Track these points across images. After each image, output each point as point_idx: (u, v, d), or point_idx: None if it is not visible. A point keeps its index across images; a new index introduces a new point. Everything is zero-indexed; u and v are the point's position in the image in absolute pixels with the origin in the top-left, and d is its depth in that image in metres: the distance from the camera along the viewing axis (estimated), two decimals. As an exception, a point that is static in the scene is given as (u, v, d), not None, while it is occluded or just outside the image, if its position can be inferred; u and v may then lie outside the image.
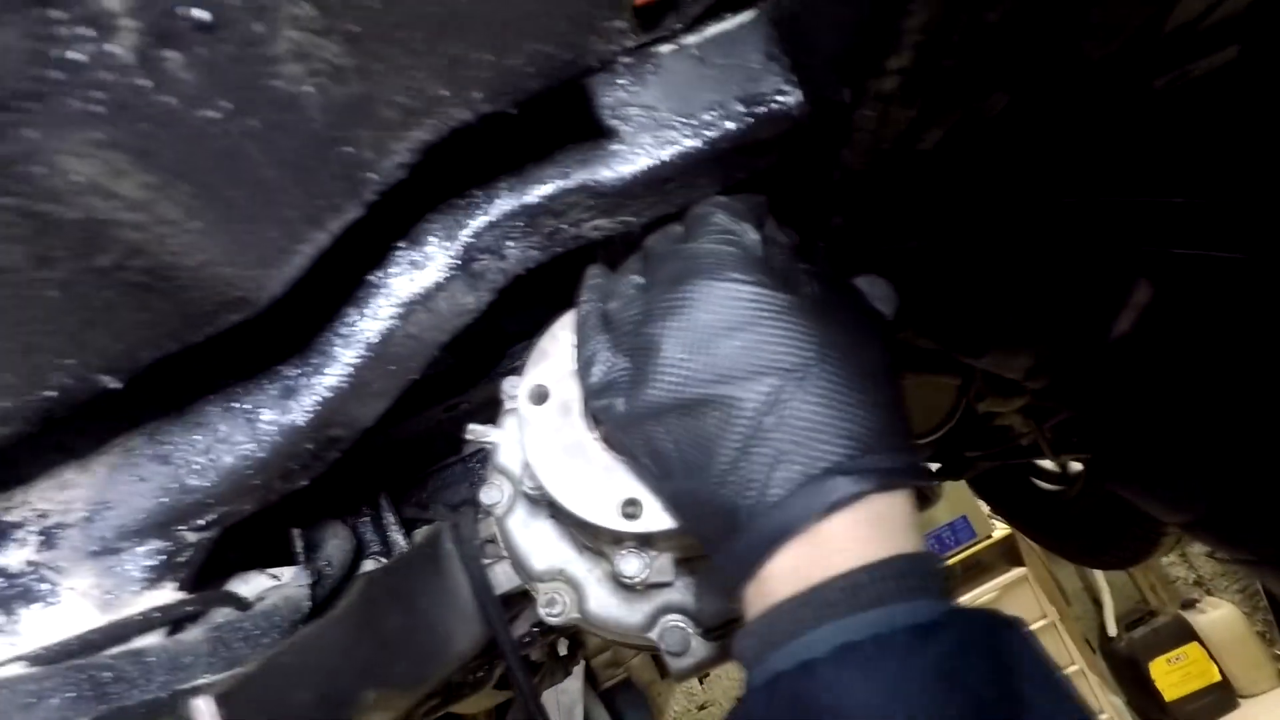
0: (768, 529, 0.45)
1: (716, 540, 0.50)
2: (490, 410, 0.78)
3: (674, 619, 0.77)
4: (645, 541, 0.72)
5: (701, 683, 4.69)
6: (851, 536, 0.45)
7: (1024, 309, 0.67)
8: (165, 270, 0.28)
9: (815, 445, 0.46)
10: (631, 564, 0.72)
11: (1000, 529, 4.22)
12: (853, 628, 0.40)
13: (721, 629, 0.80)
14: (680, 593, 0.78)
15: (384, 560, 0.93)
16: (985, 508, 3.65)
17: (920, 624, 0.39)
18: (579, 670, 3.64)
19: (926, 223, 0.68)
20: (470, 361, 1.02)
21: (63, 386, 0.33)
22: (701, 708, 4.66)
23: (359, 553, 0.90)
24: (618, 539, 0.70)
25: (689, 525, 0.56)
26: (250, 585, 0.73)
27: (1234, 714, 4.11)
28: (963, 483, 2.50)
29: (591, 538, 0.76)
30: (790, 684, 0.40)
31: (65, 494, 0.47)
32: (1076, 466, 2.22)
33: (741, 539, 0.47)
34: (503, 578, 0.92)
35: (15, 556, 0.46)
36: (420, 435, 1.05)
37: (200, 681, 0.51)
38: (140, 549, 0.48)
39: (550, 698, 3.69)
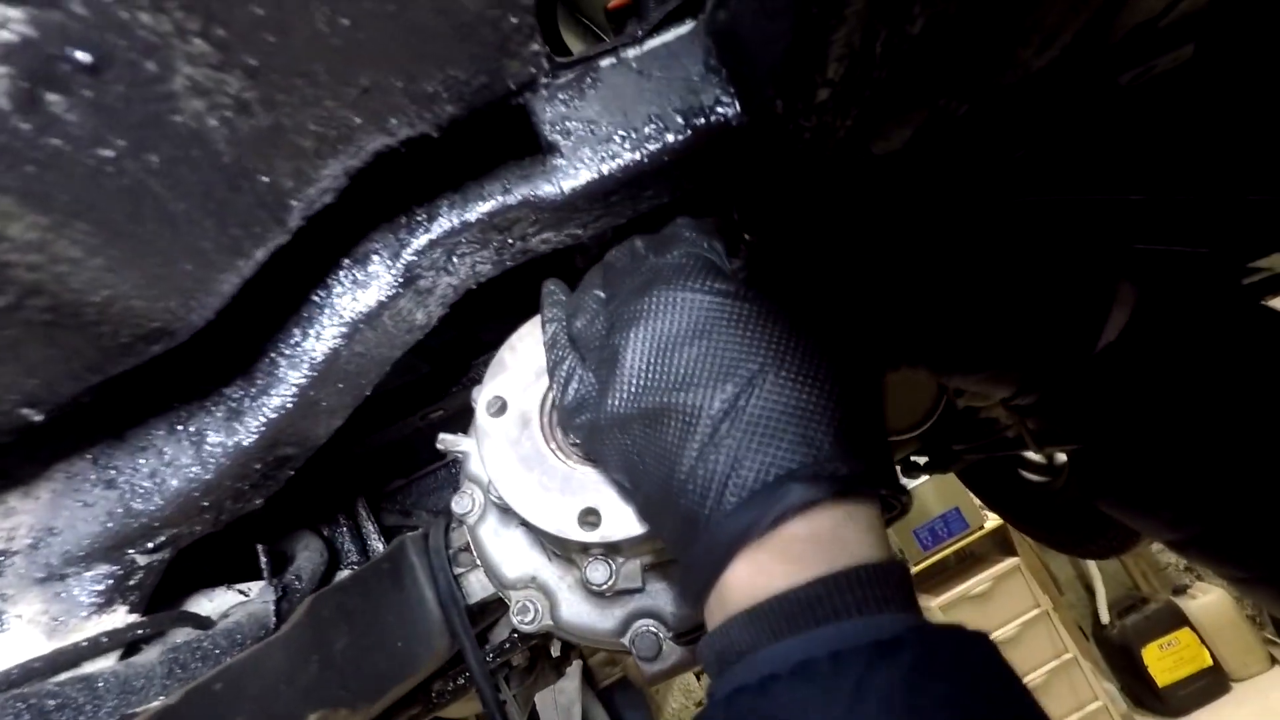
0: (723, 537, 0.45)
1: (681, 549, 0.50)
2: (467, 417, 0.78)
3: (646, 624, 0.78)
4: (611, 549, 0.72)
5: (699, 679, 4.71)
6: (809, 544, 0.44)
7: (1001, 322, 0.64)
8: (69, 307, 0.28)
9: (770, 451, 0.45)
10: (599, 571, 0.73)
11: (992, 520, 4.24)
12: (811, 644, 0.39)
13: (693, 633, 0.80)
14: (652, 598, 0.78)
15: (358, 567, 0.93)
16: (977, 499, 3.66)
17: (880, 641, 0.38)
18: (576, 670, 3.64)
19: (895, 228, 0.68)
20: (446, 370, 1.02)
21: (-18, 421, 0.33)
22: (699, 704, 4.68)
23: (334, 563, 0.90)
24: (583, 547, 0.70)
25: (659, 534, 0.56)
26: (215, 602, 0.73)
27: (1226, 697, 4.14)
28: (953, 475, 2.51)
29: (560, 546, 0.76)
30: (749, 700, 0.40)
31: (9, 521, 0.47)
32: (1061, 458, 2.23)
33: (700, 547, 0.47)
34: (477, 586, 0.92)
35: (-39, 585, 0.46)
36: (399, 442, 1.05)
37: (155, 705, 0.51)
38: (88, 574, 0.49)
39: (548, 697, 3.70)
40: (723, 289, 0.50)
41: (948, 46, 0.47)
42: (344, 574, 0.95)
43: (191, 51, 0.27)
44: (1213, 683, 4.12)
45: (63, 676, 0.46)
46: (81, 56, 0.24)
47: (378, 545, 0.95)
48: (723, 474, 0.46)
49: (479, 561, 0.85)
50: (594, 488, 0.69)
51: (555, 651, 1.86)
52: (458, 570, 0.92)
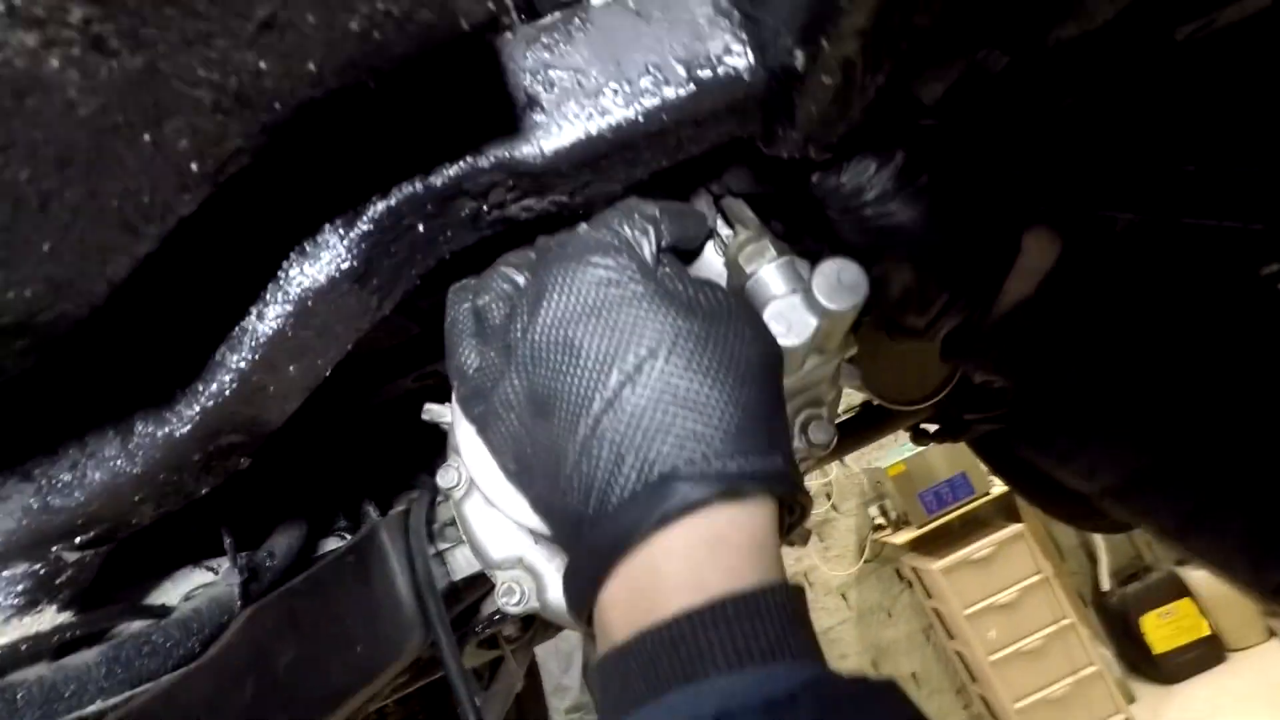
0: (601, 544, 0.40)
1: (568, 554, 0.46)
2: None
3: (633, 612, 0.74)
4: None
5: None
6: (689, 560, 0.39)
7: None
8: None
9: (654, 445, 0.40)
10: (582, 558, 0.69)
11: (998, 486, 4.21)
12: (700, 701, 0.34)
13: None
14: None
15: (349, 537, 0.89)
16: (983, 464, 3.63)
17: (773, 700, 0.33)
18: (577, 619, 3.70)
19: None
20: (438, 331, 0.96)
21: None
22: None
23: (314, 535, 0.86)
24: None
25: (554, 535, 0.51)
26: (180, 586, 0.69)
27: (1221, 666, 4.18)
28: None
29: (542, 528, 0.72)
30: None
31: (-85, 516, 0.42)
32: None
33: (577, 555, 0.42)
34: (463, 562, 0.88)
35: None
36: (394, 405, 1.00)
37: (90, 710, 0.47)
38: (5, 573, 0.44)
39: (551, 644, 3.77)
40: (625, 265, 0.45)
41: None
42: (331, 542, 0.91)
43: (7, -31, 0.20)
44: (1208, 652, 4.16)
45: (-23, 687, 0.42)
46: None
47: (370, 510, 0.91)
48: (605, 472, 0.40)
49: (464, 538, 0.81)
50: None
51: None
52: (443, 545, 0.88)
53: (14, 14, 0.21)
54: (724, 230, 0.65)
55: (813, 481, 4.69)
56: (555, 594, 0.74)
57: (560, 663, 3.91)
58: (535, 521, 0.59)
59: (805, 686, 0.34)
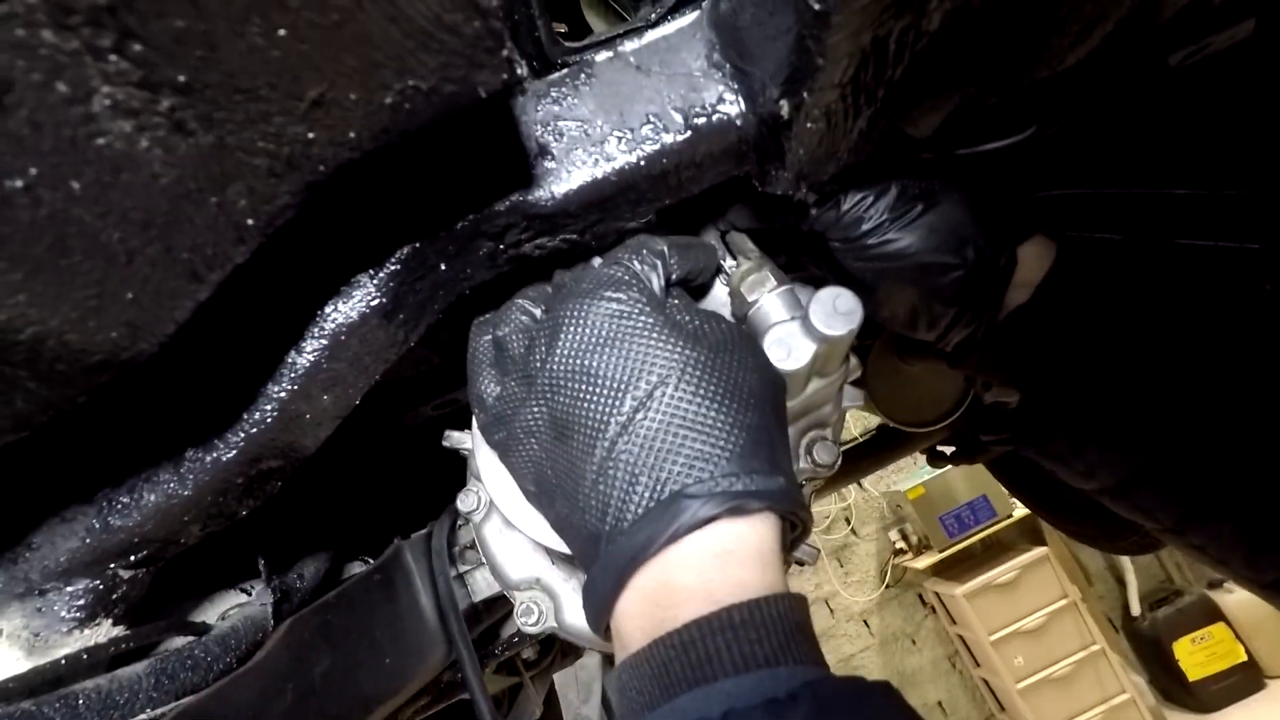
0: (619, 558, 0.43)
1: (586, 570, 0.48)
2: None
3: (648, 630, 0.76)
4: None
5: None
6: (699, 572, 0.41)
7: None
8: (-9, 347, 0.27)
9: (665, 466, 0.43)
10: (599, 579, 0.71)
11: (1021, 508, 4.16)
12: (709, 701, 0.37)
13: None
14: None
15: (371, 561, 0.92)
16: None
17: (774, 698, 0.36)
18: (596, 648, 3.69)
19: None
20: (458, 361, 1.00)
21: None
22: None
23: (339, 560, 0.89)
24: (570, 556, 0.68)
25: (573, 552, 0.55)
26: (216, 606, 0.73)
27: (1261, 694, 4.04)
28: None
29: (559, 550, 0.75)
30: None
31: (-11, 536, 0.46)
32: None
33: (596, 570, 0.45)
34: (482, 583, 0.91)
35: (-60, 600, 0.46)
36: (414, 433, 1.04)
37: (141, 718, 0.50)
38: (68, 589, 0.48)
39: (569, 674, 3.75)
40: (636, 299, 0.48)
41: (972, 39, 0.43)
42: (355, 566, 0.95)
43: (109, 70, 0.25)
44: (1246, 679, 4.03)
45: (45, 695, 0.46)
46: (-28, 83, 0.22)
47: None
48: (621, 491, 0.44)
49: (484, 560, 0.84)
50: None
51: (573, 636, 1.85)
52: (464, 568, 0.92)
53: (117, 106, 0.26)
54: (728, 262, 0.69)
55: (832, 506, 4.66)
56: (572, 614, 0.77)
57: (580, 693, 3.88)
58: (554, 541, 0.63)
59: (805, 686, 0.36)
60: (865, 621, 4.69)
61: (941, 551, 4.19)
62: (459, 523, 0.92)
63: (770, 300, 0.63)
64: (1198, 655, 4.06)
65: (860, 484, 4.69)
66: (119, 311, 0.31)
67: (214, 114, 0.28)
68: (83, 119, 0.25)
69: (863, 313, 0.59)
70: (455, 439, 0.81)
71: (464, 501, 0.80)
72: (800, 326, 0.60)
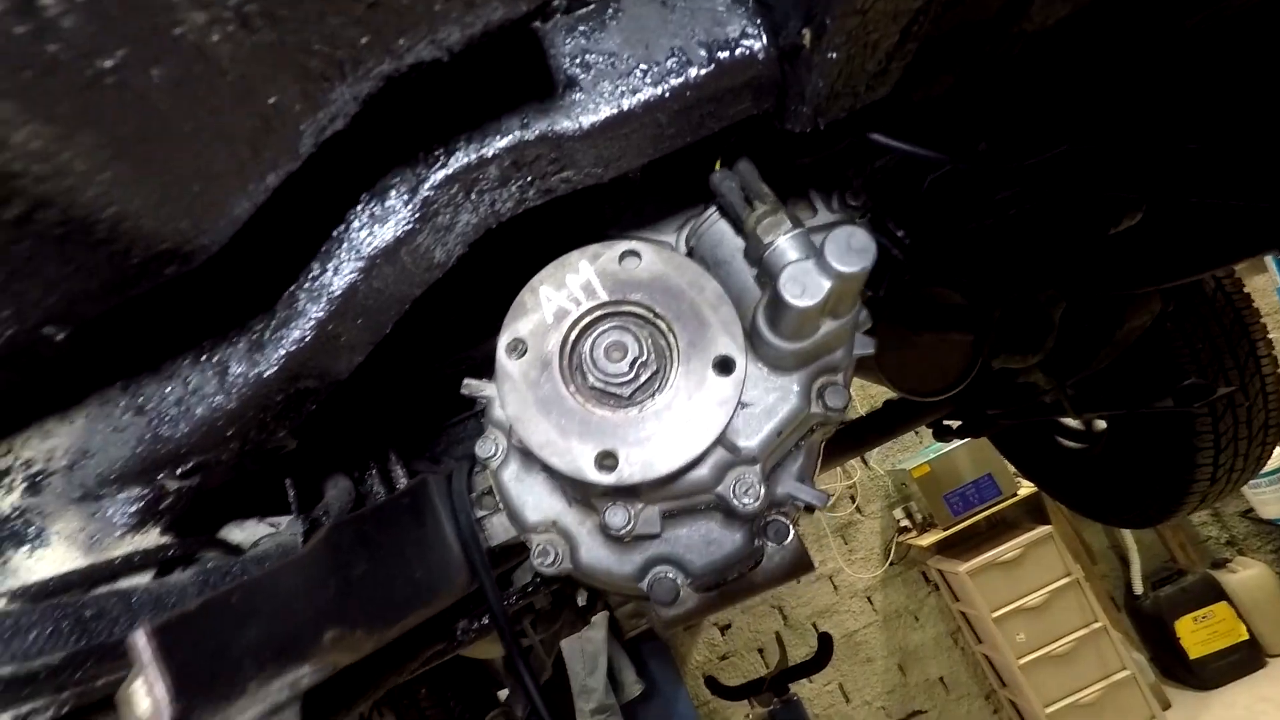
0: None
1: None
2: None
3: (664, 570, 0.79)
4: (628, 493, 0.73)
5: (724, 634, 4.79)
6: None
7: None
8: (80, 223, 0.29)
9: None
10: (617, 516, 0.74)
11: (1026, 487, 4.18)
12: None
13: (714, 585, 0.81)
14: (671, 545, 0.79)
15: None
16: (1010, 465, 3.62)
17: None
18: (603, 620, 3.74)
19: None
20: (477, 315, 1.03)
21: (6, 337, 0.34)
22: (723, 658, 4.78)
23: (361, 503, 0.93)
24: (601, 490, 0.71)
25: None
26: (246, 532, 0.76)
27: (1261, 672, 4.07)
28: (987, 440, 2.48)
29: (578, 489, 0.77)
30: None
31: (48, 443, 0.49)
32: (1100, 425, 2.18)
33: None
34: (499, 529, 0.94)
35: (4, 502, 0.49)
36: (430, 388, 1.07)
37: (174, 612, 0.53)
38: (121, 495, 0.51)
39: (575, 646, 3.81)
40: None
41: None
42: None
43: (190, -40, 0.27)
44: (1247, 656, 4.06)
45: (103, 589, 0.49)
46: (77, -39, 0.24)
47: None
48: None
49: (501, 505, 0.87)
50: (612, 431, 0.69)
51: (581, 600, 1.92)
52: (480, 513, 0.95)
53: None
54: (741, 207, 0.71)
55: (837, 483, 4.69)
56: (588, 555, 0.80)
57: (585, 664, 3.95)
58: (588, 472, 0.65)
59: None
60: (869, 598, 4.74)
61: (946, 529, 4.23)
62: (475, 469, 0.95)
63: (786, 241, 0.65)
64: (1199, 634, 4.10)
65: (866, 462, 4.71)
66: (187, 201, 0.33)
67: (278, 10, 0.30)
68: (163, 7, 0.27)
69: (875, 251, 0.61)
70: (474, 386, 0.83)
71: (482, 448, 0.82)
72: (815, 264, 0.62)
